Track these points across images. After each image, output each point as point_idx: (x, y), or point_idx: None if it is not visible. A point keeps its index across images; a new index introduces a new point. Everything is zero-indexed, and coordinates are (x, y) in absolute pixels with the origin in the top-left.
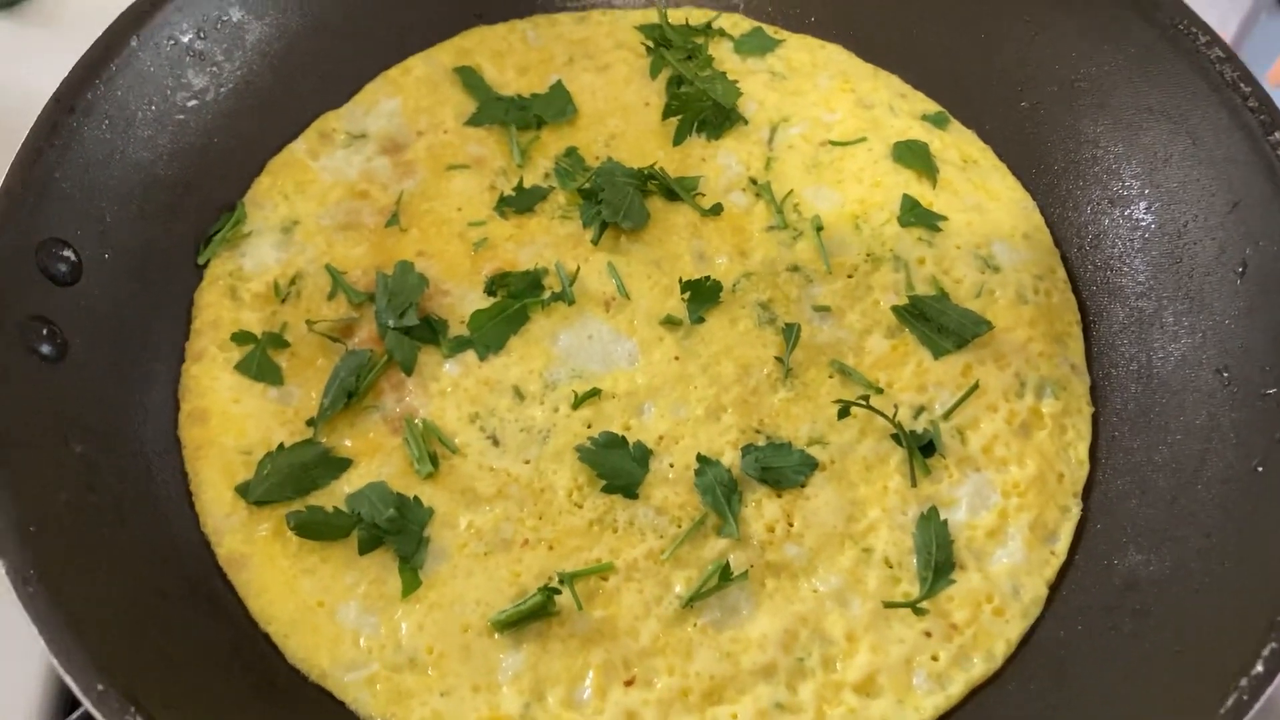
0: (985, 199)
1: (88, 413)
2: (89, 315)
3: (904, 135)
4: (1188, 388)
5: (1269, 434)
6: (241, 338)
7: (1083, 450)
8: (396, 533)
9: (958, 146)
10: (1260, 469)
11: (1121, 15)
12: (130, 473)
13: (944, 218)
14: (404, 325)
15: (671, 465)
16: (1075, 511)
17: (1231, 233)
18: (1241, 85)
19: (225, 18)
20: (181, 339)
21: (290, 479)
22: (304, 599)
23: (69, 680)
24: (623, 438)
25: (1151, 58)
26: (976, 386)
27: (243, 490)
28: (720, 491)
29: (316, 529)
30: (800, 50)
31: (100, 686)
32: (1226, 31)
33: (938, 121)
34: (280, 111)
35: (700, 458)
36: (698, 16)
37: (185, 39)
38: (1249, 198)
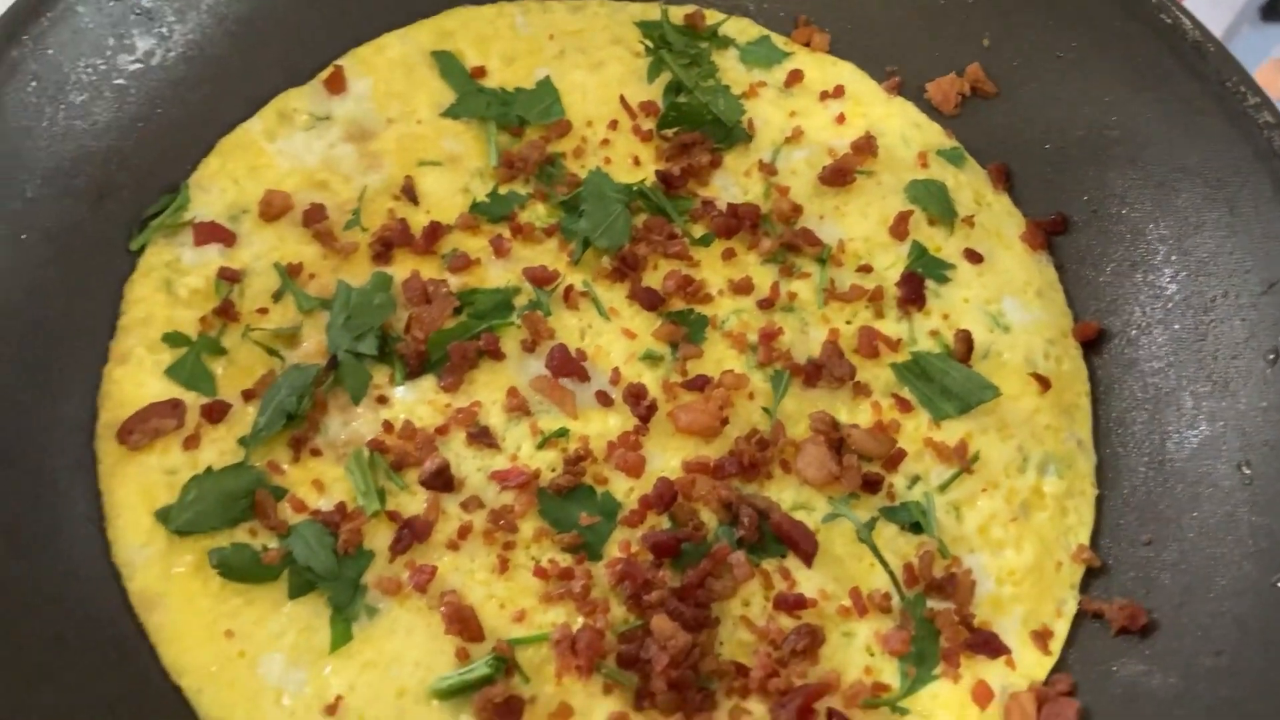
0: (998, 247)
1: None
2: None
3: (915, 170)
4: (1204, 480)
5: None
6: (174, 339)
7: (1084, 537)
8: (332, 579)
9: (972, 186)
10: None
11: (1164, 63)
12: (32, 492)
13: (953, 266)
14: (359, 351)
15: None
16: (1072, 606)
17: (1264, 315)
18: None
19: None
20: (106, 337)
21: (218, 507)
22: (224, 648)
23: None
24: (590, 488)
25: (1192, 113)
26: (978, 458)
27: (163, 516)
28: None
29: (243, 570)
30: (810, 66)
31: None
32: None
33: (953, 158)
34: (236, 84)
35: None
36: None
37: None
38: None
